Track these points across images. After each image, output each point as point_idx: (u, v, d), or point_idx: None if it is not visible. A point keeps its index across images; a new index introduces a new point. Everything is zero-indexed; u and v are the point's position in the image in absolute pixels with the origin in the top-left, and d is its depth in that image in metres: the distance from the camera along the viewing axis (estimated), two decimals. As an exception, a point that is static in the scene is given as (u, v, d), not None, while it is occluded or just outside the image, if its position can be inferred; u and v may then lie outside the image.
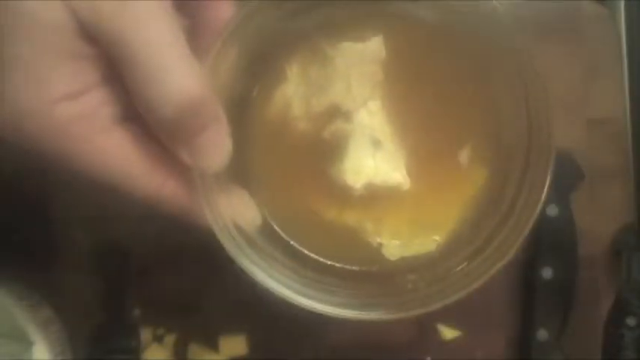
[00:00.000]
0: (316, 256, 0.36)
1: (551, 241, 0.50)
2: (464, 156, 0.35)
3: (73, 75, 0.28)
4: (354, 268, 0.36)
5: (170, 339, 0.53)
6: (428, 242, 0.35)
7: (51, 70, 0.27)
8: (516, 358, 0.52)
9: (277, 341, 0.53)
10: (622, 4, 0.52)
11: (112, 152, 0.30)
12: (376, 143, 0.35)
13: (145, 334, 0.53)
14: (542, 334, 0.51)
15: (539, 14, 0.52)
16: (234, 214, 0.33)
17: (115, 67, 0.28)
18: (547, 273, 0.50)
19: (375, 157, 0.35)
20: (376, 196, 0.35)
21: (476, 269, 0.33)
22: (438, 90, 0.35)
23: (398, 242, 0.35)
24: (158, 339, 0.53)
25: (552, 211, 0.50)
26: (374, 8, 0.34)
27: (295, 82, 0.35)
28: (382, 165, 0.34)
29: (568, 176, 0.51)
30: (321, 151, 0.35)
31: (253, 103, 0.35)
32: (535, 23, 0.52)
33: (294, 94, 0.35)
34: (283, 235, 0.36)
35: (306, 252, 0.36)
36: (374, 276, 0.36)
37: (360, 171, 0.34)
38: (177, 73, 0.27)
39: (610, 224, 0.52)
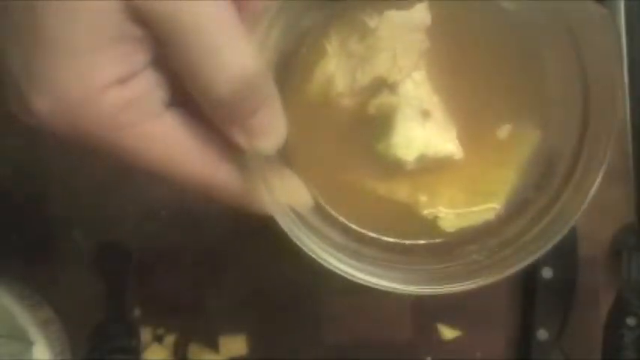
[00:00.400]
0: (373, 234, 0.35)
1: (551, 241, 0.50)
2: (515, 120, 0.34)
3: (122, 59, 0.27)
4: (410, 242, 0.35)
5: (170, 339, 0.53)
6: (486, 211, 0.34)
7: (99, 54, 0.26)
8: (516, 358, 0.52)
9: (277, 341, 0.53)
10: (622, 4, 0.52)
11: (164, 138, 0.28)
12: (425, 114, 0.33)
13: (145, 334, 0.53)
14: (542, 334, 0.51)
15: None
16: (287, 197, 0.32)
17: (164, 48, 0.27)
18: (547, 273, 0.50)
19: (424, 129, 0.33)
20: (428, 168, 0.34)
21: (542, 233, 0.32)
22: (486, 57, 0.34)
23: (454, 213, 0.34)
24: (158, 339, 0.53)
25: (552, 211, 0.50)
26: None
27: (336, 57, 0.33)
28: (433, 136, 0.33)
29: (568, 176, 0.51)
30: (368, 126, 0.34)
31: (295, 82, 0.34)
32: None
33: (336, 69, 0.33)
34: (338, 215, 0.35)
35: (362, 230, 0.35)
36: (432, 249, 0.34)
37: (410, 144, 0.33)
38: (232, 51, 0.26)
39: (610, 224, 0.52)
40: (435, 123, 0.33)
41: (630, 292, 0.48)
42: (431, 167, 0.34)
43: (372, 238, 0.35)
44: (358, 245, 0.34)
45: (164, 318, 0.53)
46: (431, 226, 0.34)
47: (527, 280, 0.52)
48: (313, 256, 0.33)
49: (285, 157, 0.33)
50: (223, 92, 0.27)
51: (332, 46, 0.34)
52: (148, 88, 0.28)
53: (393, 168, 0.34)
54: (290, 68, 0.33)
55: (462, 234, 0.34)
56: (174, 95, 0.29)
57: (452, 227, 0.34)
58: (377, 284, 0.32)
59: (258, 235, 0.53)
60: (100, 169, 0.53)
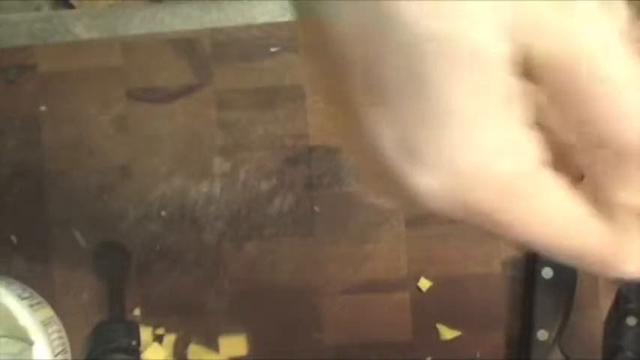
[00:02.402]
0: None
1: (551, 241, 0.50)
2: None
3: (508, 121, 0.23)
4: None
5: (170, 339, 0.53)
6: None
7: (485, 117, 0.23)
8: (516, 358, 0.52)
9: (277, 341, 0.53)
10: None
11: (560, 211, 0.25)
12: None
13: (145, 334, 0.53)
14: (542, 334, 0.51)
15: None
16: None
17: (555, 98, 0.23)
18: (547, 273, 0.50)
19: None
20: None
21: None
22: None
23: None
24: (158, 339, 0.53)
25: (552, 211, 0.50)
26: None
27: None
28: None
29: (568, 176, 0.51)
30: None
31: None
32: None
33: None
34: None
35: None
36: None
37: None
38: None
39: (610, 224, 0.52)
40: None
41: (630, 292, 0.48)
42: None
43: None
44: None
45: (164, 318, 0.53)
46: None
47: (527, 280, 0.52)
48: None
49: None
50: (631, 140, 0.23)
51: None
52: (538, 150, 0.24)
53: None
54: None
55: None
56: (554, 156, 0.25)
57: None
58: None
59: (258, 235, 0.53)
60: (100, 170, 0.53)
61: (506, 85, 0.23)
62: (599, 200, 0.25)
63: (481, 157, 0.23)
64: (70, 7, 0.78)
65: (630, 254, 0.26)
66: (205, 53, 0.52)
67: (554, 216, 0.25)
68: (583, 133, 0.24)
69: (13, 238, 0.53)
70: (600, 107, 0.23)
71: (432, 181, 0.23)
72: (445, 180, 0.23)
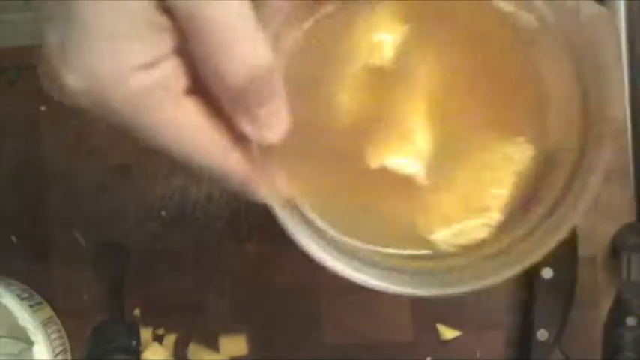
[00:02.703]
0: (366, 245, 0.35)
1: (551, 241, 0.50)
2: (509, 137, 0.34)
3: (151, 45, 0.29)
4: (409, 252, 0.35)
5: (170, 339, 0.53)
6: (481, 227, 0.34)
7: (131, 39, 0.29)
8: (516, 358, 0.52)
9: (277, 341, 0.53)
10: (622, 4, 0.52)
11: (184, 123, 0.31)
12: (408, 131, 0.34)
13: (145, 334, 0.53)
14: (542, 334, 0.51)
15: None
16: (282, 190, 0.34)
17: (187, 39, 0.30)
18: (547, 273, 0.50)
19: (408, 144, 0.34)
20: (421, 188, 0.34)
21: (539, 240, 0.33)
22: (481, 68, 0.33)
23: (450, 232, 0.34)
24: (158, 339, 0.53)
25: (552, 211, 0.50)
26: None
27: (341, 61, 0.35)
28: (406, 150, 0.34)
29: (568, 176, 0.51)
30: (360, 137, 0.34)
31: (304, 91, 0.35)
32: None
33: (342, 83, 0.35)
34: (336, 232, 0.35)
35: (354, 240, 0.35)
36: (426, 259, 0.35)
37: (385, 156, 0.34)
38: (248, 44, 0.29)
39: (610, 224, 0.52)
40: (419, 139, 0.34)
41: (630, 292, 0.48)
42: (424, 187, 0.34)
43: (365, 247, 0.35)
44: (353, 248, 0.35)
45: (164, 318, 0.53)
46: (428, 243, 0.35)
47: (527, 280, 0.52)
48: (305, 249, 0.34)
49: (288, 167, 0.34)
50: (237, 81, 0.30)
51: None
52: (173, 74, 0.30)
53: (391, 187, 0.34)
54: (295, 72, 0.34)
55: (457, 248, 0.35)
56: (196, 83, 0.31)
57: (448, 245, 0.35)
58: (373, 285, 0.33)
59: (258, 235, 0.53)
60: (100, 169, 0.53)
61: (150, 18, 0.28)
62: (234, 130, 0.31)
63: (119, 68, 0.29)
64: (70, 7, 0.78)
65: (259, 182, 0.33)
66: (205, 53, 0.52)
67: (185, 132, 0.31)
68: (205, 70, 0.30)
69: (13, 238, 0.53)
70: (211, 50, 0.29)
71: (79, 82, 0.29)
72: (89, 82, 0.29)
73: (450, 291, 0.33)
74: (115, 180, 0.53)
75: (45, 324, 0.50)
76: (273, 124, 0.32)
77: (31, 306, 0.50)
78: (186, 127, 0.31)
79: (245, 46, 0.29)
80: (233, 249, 0.53)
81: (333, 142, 0.35)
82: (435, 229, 0.34)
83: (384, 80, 0.34)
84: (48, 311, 0.52)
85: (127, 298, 0.52)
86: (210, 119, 0.32)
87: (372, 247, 0.35)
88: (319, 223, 0.35)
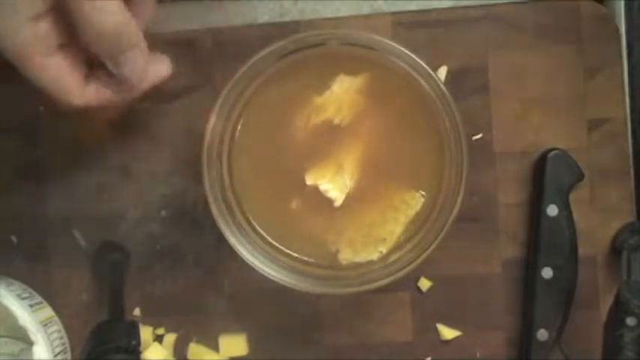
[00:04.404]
0: (289, 251, 0.46)
1: (551, 241, 0.50)
2: (409, 187, 0.46)
3: (34, 2, 0.39)
4: (311, 260, 0.46)
5: (170, 339, 0.53)
6: (374, 252, 0.46)
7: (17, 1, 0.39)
8: (516, 358, 0.52)
9: (277, 341, 0.53)
10: (622, 4, 0.52)
11: (54, 68, 0.42)
12: (341, 167, 0.45)
13: (145, 334, 0.53)
14: (542, 334, 0.51)
15: (539, 14, 0.52)
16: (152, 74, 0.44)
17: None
18: (547, 273, 0.51)
19: (338, 175, 0.45)
20: (337, 212, 0.45)
21: (410, 260, 0.44)
22: (403, 128, 0.45)
23: (350, 251, 0.46)
24: (158, 339, 0.53)
25: (552, 211, 0.50)
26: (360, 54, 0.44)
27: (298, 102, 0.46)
28: (336, 181, 0.45)
29: (568, 176, 0.51)
30: (305, 160, 0.45)
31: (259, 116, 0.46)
32: (535, 23, 0.52)
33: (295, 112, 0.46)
34: (264, 234, 0.46)
35: (280, 246, 0.46)
36: (326, 267, 0.46)
37: (319, 178, 0.45)
38: (113, 7, 0.39)
39: (610, 224, 0.52)
40: (345, 173, 0.45)
41: (630, 292, 0.48)
42: (341, 213, 0.45)
43: (283, 251, 0.46)
44: (268, 247, 0.46)
45: (164, 318, 0.53)
46: (333, 257, 0.46)
47: (527, 280, 0.52)
48: (230, 243, 0.45)
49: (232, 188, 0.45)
50: (101, 29, 0.40)
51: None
52: (49, 29, 0.40)
53: (316, 204, 0.45)
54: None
55: (352, 264, 0.46)
56: (69, 39, 0.41)
57: (347, 261, 0.46)
58: (281, 279, 0.45)
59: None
60: (100, 169, 0.53)
61: None
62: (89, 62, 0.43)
63: (9, 25, 0.39)
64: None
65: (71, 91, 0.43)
66: (206, 53, 0.52)
67: (53, 75, 0.42)
68: (79, 21, 0.39)
69: (13, 238, 0.53)
70: (86, 7, 0.39)
71: None
72: None
73: (341, 292, 0.45)
74: (115, 180, 0.53)
75: (45, 324, 0.50)
76: (134, 69, 0.42)
77: (31, 306, 0.50)
78: (54, 71, 0.41)
79: (112, 6, 0.39)
80: (233, 249, 0.53)
81: (285, 160, 0.45)
82: (340, 247, 0.46)
83: (334, 130, 0.45)
84: (48, 311, 0.52)
85: (127, 298, 0.52)
86: (75, 66, 0.42)
87: (284, 249, 0.46)
88: (252, 221, 0.46)
